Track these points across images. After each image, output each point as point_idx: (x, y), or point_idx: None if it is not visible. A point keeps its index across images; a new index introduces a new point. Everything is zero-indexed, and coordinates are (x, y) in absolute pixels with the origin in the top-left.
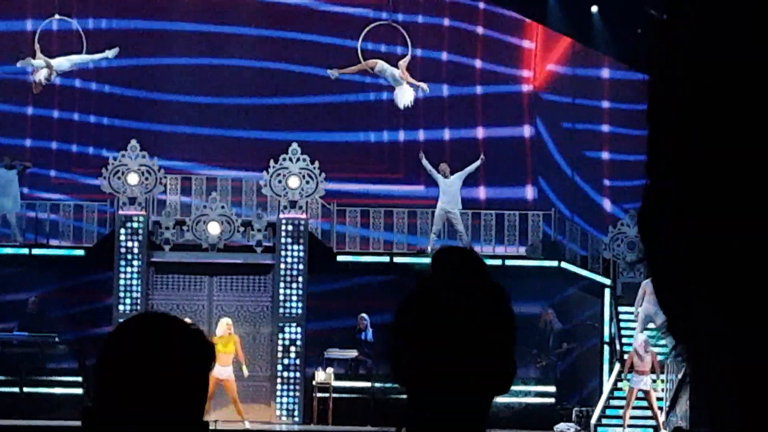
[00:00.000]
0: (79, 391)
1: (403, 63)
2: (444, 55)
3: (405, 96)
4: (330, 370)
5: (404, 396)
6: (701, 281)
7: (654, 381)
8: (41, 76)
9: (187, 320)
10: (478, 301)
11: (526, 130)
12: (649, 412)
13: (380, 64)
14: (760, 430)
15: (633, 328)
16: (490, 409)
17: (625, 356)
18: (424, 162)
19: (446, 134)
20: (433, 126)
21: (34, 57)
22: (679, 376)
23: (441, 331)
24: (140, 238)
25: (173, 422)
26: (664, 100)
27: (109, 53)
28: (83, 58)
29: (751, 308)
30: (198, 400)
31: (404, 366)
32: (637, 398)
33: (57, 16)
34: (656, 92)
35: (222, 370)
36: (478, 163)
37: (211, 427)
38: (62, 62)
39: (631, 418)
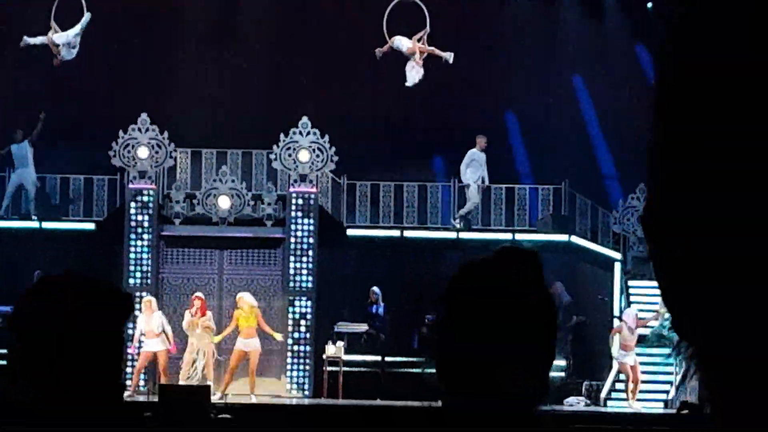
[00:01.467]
0: None
1: (416, 38)
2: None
3: (411, 74)
4: (340, 343)
5: (414, 370)
6: (706, 281)
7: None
8: (58, 51)
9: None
10: (529, 311)
11: None
12: (656, 386)
13: (396, 40)
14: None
15: (643, 302)
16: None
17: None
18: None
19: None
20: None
21: (46, 33)
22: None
23: (486, 335)
24: (150, 211)
25: (88, 378)
26: (666, 100)
27: (83, 20)
28: (74, 30)
29: (755, 308)
30: (113, 355)
31: (447, 363)
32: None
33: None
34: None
35: (247, 343)
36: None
37: (221, 399)
38: (61, 37)
39: (640, 392)
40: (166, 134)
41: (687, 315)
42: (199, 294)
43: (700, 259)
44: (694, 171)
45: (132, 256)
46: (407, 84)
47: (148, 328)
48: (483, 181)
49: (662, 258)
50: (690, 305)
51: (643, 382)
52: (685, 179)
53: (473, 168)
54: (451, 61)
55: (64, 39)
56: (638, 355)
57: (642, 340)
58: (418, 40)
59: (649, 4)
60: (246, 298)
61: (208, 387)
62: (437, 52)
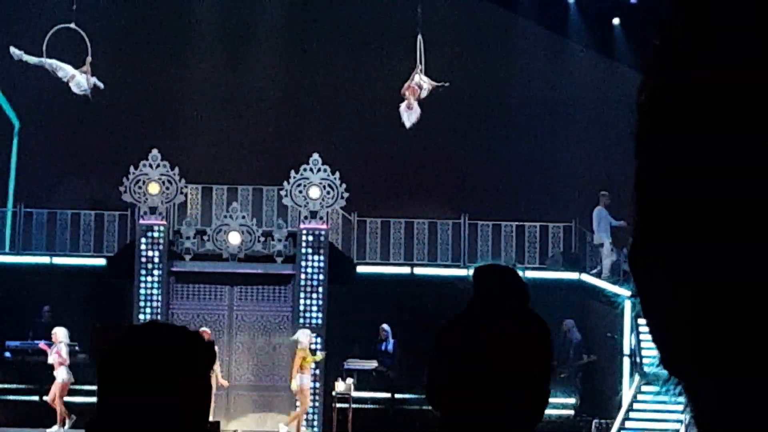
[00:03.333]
0: None
1: (410, 80)
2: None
3: (405, 115)
4: (350, 380)
5: (424, 407)
6: (690, 315)
7: None
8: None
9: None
10: (519, 333)
11: None
12: (666, 425)
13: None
14: None
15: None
16: None
17: (646, 368)
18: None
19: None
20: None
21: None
22: None
23: (480, 361)
24: (161, 247)
25: (180, 427)
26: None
27: (98, 84)
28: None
29: (743, 342)
30: (201, 403)
31: (441, 391)
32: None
33: (73, 25)
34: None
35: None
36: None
37: None
38: (62, 67)
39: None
40: (176, 170)
41: (673, 350)
42: (205, 329)
43: (684, 294)
44: (677, 206)
45: (142, 291)
46: (407, 126)
47: None
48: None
49: (647, 293)
50: (676, 339)
51: (654, 420)
52: (668, 213)
53: (603, 225)
54: (443, 88)
55: (62, 74)
56: (648, 393)
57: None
58: (411, 80)
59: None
60: (308, 335)
61: (217, 423)
62: (433, 83)
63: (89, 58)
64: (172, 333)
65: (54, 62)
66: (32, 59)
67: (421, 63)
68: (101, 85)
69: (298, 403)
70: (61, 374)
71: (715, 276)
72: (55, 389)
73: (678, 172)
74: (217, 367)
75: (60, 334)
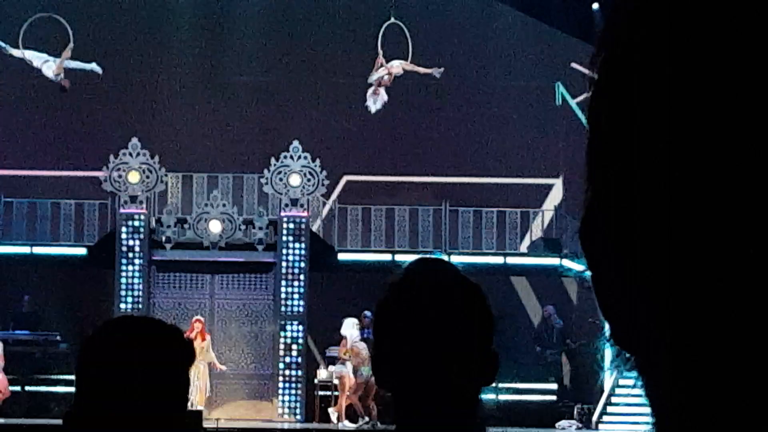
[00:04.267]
0: None
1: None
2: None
3: (371, 101)
4: (332, 368)
5: None
6: (650, 291)
7: None
8: (53, 72)
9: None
10: (452, 298)
11: None
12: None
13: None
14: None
15: None
16: (479, 403)
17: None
18: None
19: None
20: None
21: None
22: None
23: (419, 332)
24: (141, 236)
25: (156, 422)
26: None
27: (95, 68)
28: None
29: (703, 316)
30: (179, 399)
31: (386, 370)
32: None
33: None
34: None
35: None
36: None
37: (212, 426)
38: (38, 56)
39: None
40: (157, 158)
41: (624, 324)
42: (200, 317)
43: (636, 266)
44: (628, 179)
45: (123, 280)
46: (371, 111)
47: None
48: None
49: (598, 267)
50: (627, 313)
51: (636, 405)
52: (620, 182)
53: None
54: (438, 75)
55: (38, 63)
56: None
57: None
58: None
59: (595, 5)
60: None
61: (200, 412)
62: (421, 69)
63: (71, 45)
64: (150, 326)
65: (33, 54)
66: (17, 53)
67: (407, 51)
68: (99, 70)
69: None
70: None
71: (667, 247)
72: None
73: (628, 141)
74: (212, 353)
75: None
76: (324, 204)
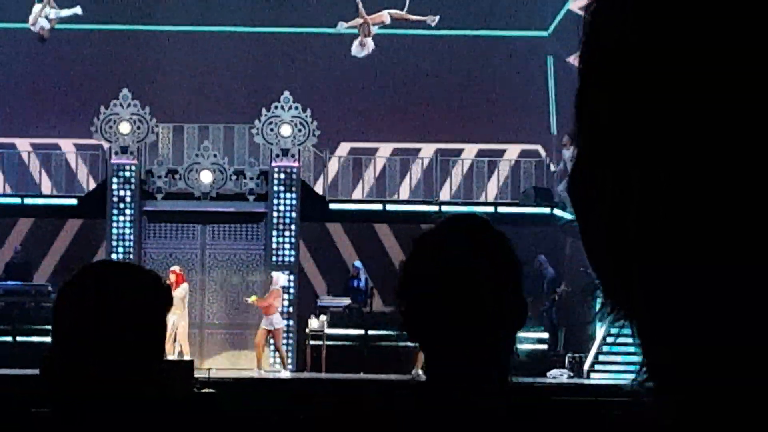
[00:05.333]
0: None
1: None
2: None
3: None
4: (323, 317)
5: (398, 344)
6: (644, 252)
7: None
8: (44, 24)
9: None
10: (480, 249)
11: None
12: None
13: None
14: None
15: None
16: (513, 350)
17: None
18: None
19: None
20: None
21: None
22: None
23: (449, 283)
24: (132, 187)
25: (132, 367)
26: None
27: (76, 10)
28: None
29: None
30: (156, 343)
31: (417, 323)
32: None
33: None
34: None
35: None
36: None
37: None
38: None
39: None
40: (147, 109)
41: (610, 274)
42: (174, 267)
43: (620, 218)
44: (625, 122)
45: (114, 231)
46: (358, 56)
47: None
48: None
49: (585, 219)
50: (612, 263)
51: (627, 354)
52: (615, 129)
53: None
54: (433, 24)
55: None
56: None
57: None
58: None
59: None
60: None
61: (191, 362)
62: (412, 17)
63: None
64: (125, 271)
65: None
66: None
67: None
68: (80, 11)
69: (272, 341)
70: None
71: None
72: None
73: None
74: (185, 308)
75: None
76: (315, 154)
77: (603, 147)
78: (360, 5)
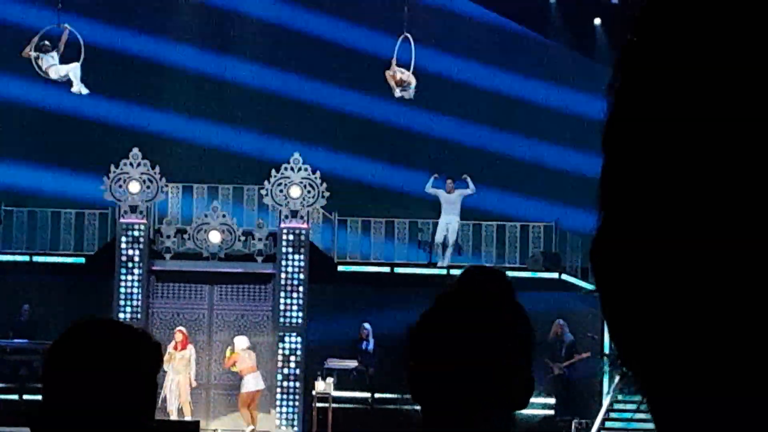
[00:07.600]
0: None
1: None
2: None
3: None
4: (330, 380)
5: (404, 407)
6: (651, 313)
7: None
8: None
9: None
10: (496, 318)
11: None
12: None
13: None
14: None
15: None
16: (513, 427)
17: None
18: (430, 188)
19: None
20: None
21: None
22: None
23: (459, 350)
24: (141, 246)
25: (122, 426)
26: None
27: (82, 89)
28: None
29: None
30: (147, 403)
31: (422, 384)
32: None
33: (66, 26)
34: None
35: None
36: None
37: None
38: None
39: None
40: (157, 169)
41: (633, 345)
42: (181, 328)
43: (648, 290)
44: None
45: (122, 290)
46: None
47: None
48: (449, 223)
49: (609, 291)
50: (637, 333)
51: (634, 420)
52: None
53: (444, 208)
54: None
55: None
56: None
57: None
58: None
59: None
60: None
61: (197, 422)
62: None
63: (82, 56)
64: (115, 330)
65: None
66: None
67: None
68: (86, 91)
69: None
70: None
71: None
72: None
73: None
74: (192, 367)
75: None
76: (324, 217)
77: (625, 210)
78: (393, 64)
